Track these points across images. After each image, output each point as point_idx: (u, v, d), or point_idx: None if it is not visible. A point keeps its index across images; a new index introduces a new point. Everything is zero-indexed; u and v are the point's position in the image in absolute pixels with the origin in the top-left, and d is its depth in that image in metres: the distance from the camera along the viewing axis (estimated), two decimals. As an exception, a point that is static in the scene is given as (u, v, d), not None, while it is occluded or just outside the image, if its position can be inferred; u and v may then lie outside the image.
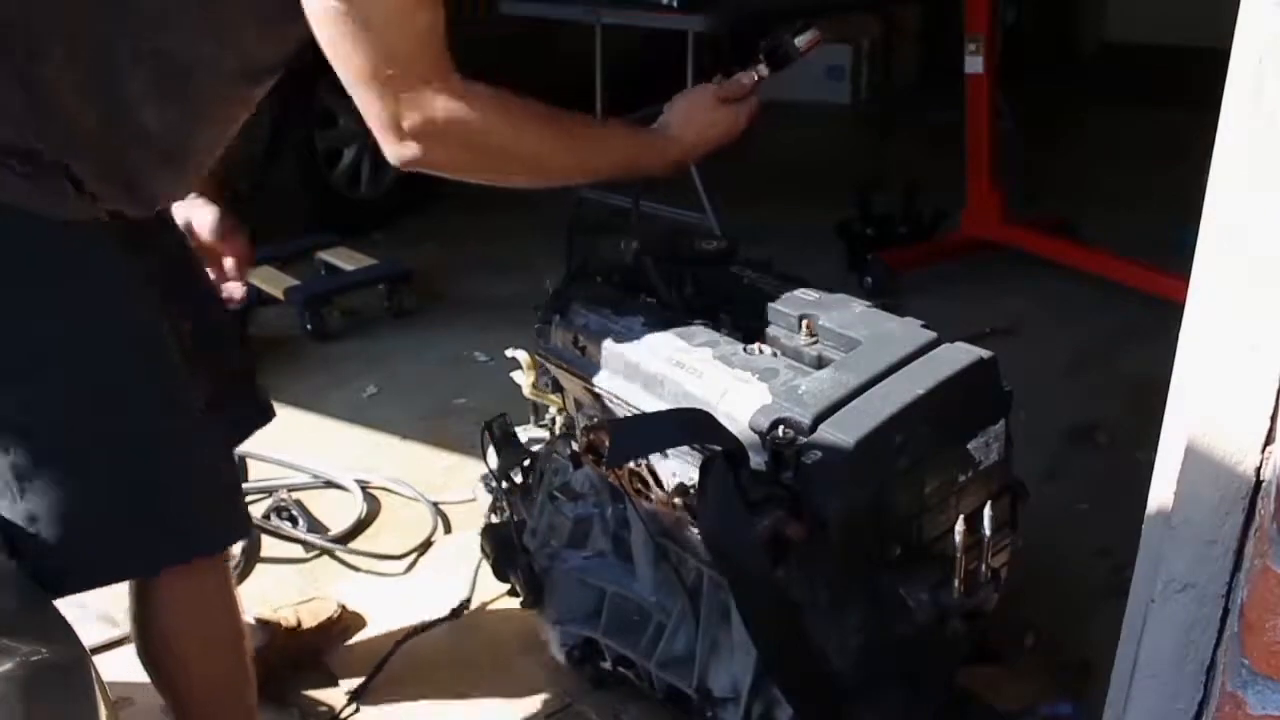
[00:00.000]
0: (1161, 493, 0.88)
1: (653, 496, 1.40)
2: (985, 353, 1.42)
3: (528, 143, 1.28)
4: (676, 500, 1.36)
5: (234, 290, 1.55)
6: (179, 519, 1.27)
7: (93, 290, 1.19)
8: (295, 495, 2.32)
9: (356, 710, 1.77)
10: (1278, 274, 0.74)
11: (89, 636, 1.35)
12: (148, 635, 1.36)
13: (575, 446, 1.60)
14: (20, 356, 1.15)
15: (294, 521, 2.23)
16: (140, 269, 1.24)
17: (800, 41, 1.48)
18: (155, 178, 1.26)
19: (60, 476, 1.17)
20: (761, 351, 1.43)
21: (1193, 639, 0.88)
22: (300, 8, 1.13)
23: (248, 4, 1.18)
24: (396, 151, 1.20)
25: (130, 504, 1.22)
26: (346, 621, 1.93)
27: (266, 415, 1.65)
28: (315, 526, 2.23)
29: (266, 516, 2.23)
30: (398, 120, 1.17)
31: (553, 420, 1.77)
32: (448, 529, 2.25)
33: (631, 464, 1.41)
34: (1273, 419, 0.78)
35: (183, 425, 1.27)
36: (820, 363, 1.41)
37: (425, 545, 2.18)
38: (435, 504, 2.29)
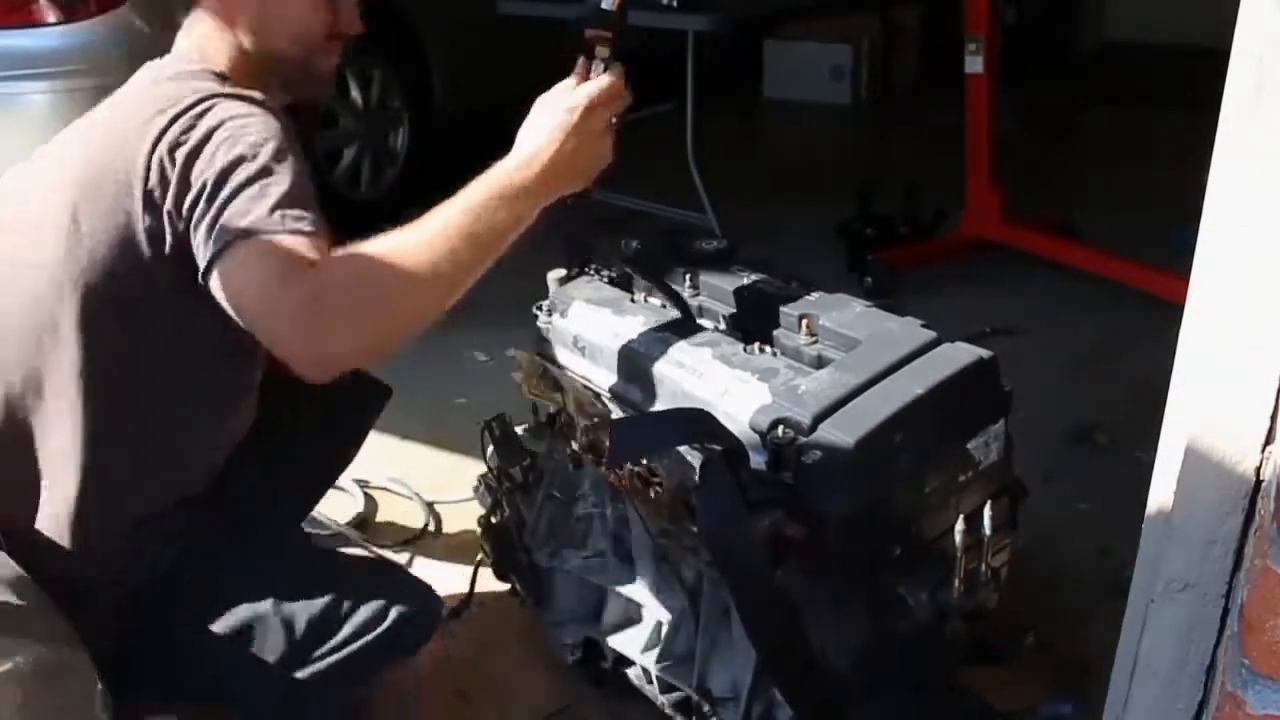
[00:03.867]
0: (1161, 493, 0.88)
1: (653, 496, 1.40)
2: (985, 353, 1.42)
3: (411, 273, 1.20)
4: (677, 500, 1.36)
5: None
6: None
7: None
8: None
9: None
10: (1278, 274, 0.74)
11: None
12: None
13: (575, 446, 1.60)
14: None
15: (294, 522, 2.22)
16: None
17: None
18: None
19: None
20: (761, 351, 1.43)
21: (1193, 639, 0.88)
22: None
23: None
24: (309, 368, 1.18)
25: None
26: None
27: None
28: (314, 524, 2.22)
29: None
30: (288, 348, 1.17)
31: (552, 420, 1.77)
32: (446, 529, 2.25)
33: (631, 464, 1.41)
34: (1273, 419, 0.78)
35: None
36: (820, 363, 1.41)
37: (416, 545, 2.18)
38: (433, 504, 2.29)
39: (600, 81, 1.29)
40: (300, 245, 1.17)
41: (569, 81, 1.31)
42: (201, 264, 1.19)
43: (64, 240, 1.24)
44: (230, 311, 1.19)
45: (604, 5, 1.30)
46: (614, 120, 1.30)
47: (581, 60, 1.32)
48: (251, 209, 1.17)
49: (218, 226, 1.17)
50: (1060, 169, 4.41)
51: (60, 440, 1.28)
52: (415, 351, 3.00)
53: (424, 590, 1.49)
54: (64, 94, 2.58)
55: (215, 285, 1.19)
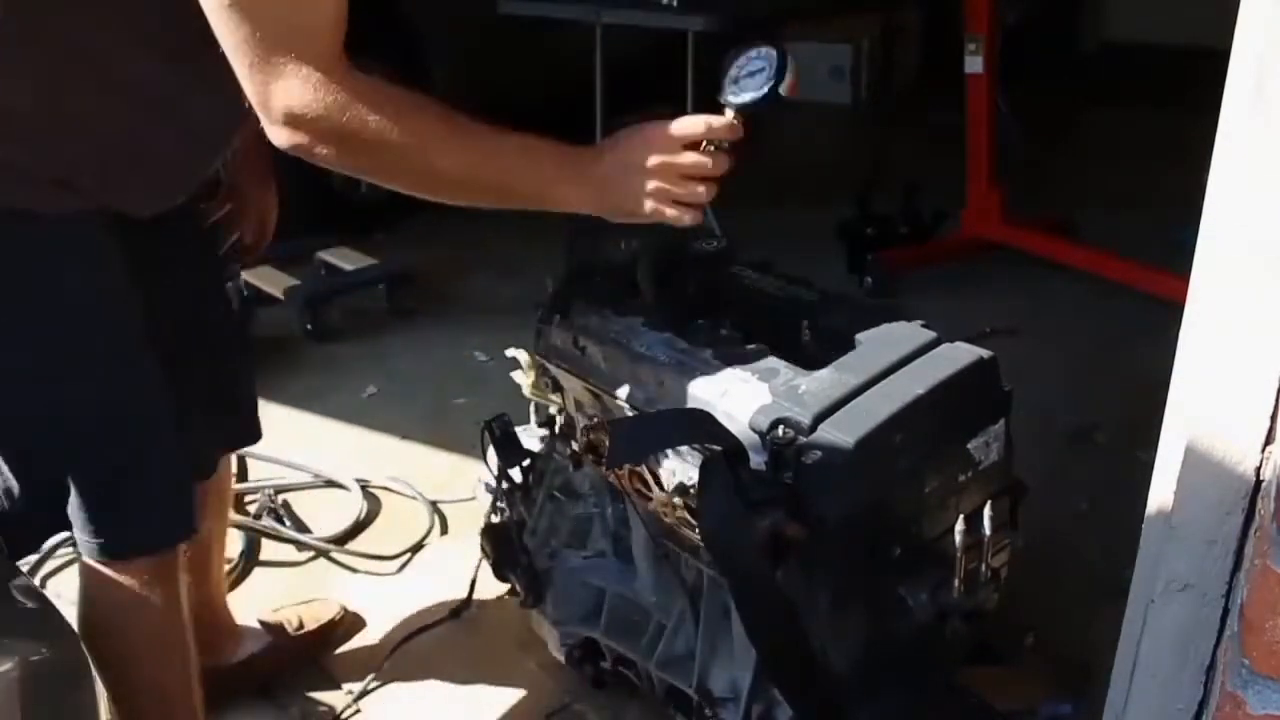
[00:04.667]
0: (1161, 493, 0.88)
1: (653, 496, 1.40)
2: (985, 353, 1.42)
3: (406, 139, 1.15)
4: (676, 500, 1.36)
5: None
6: (121, 511, 1.29)
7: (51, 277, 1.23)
8: (285, 496, 2.33)
9: (357, 711, 1.77)
10: (1277, 274, 0.74)
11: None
12: (88, 625, 1.35)
13: (575, 446, 1.60)
14: None
15: (280, 524, 2.22)
16: (122, 260, 1.27)
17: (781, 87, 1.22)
18: (162, 145, 1.26)
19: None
20: (761, 351, 1.43)
21: (1193, 639, 0.88)
22: None
23: None
24: (271, 135, 1.14)
25: (75, 483, 1.26)
26: (347, 623, 1.93)
27: (253, 435, 1.67)
28: (301, 529, 2.23)
29: (258, 516, 2.23)
30: (265, 104, 1.11)
31: (553, 420, 1.77)
32: (446, 529, 2.25)
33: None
34: (1273, 419, 0.78)
35: (135, 411, 1.30)
36: (820, 363, 1.41)
37: (418, 546, 2.18)
38: (434, 503, 2.29)
39: (706, 119, 1.21)
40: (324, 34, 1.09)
41: (691, 126, 1.21)
42: None
43: None
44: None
45: (779, 90, 1.22)
46: (675, 188, 1.22)
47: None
48: None
49: None
50: (1060, 169, 4.41)
51: None
52: (415, 351, 3.04)
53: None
54: None
55: None
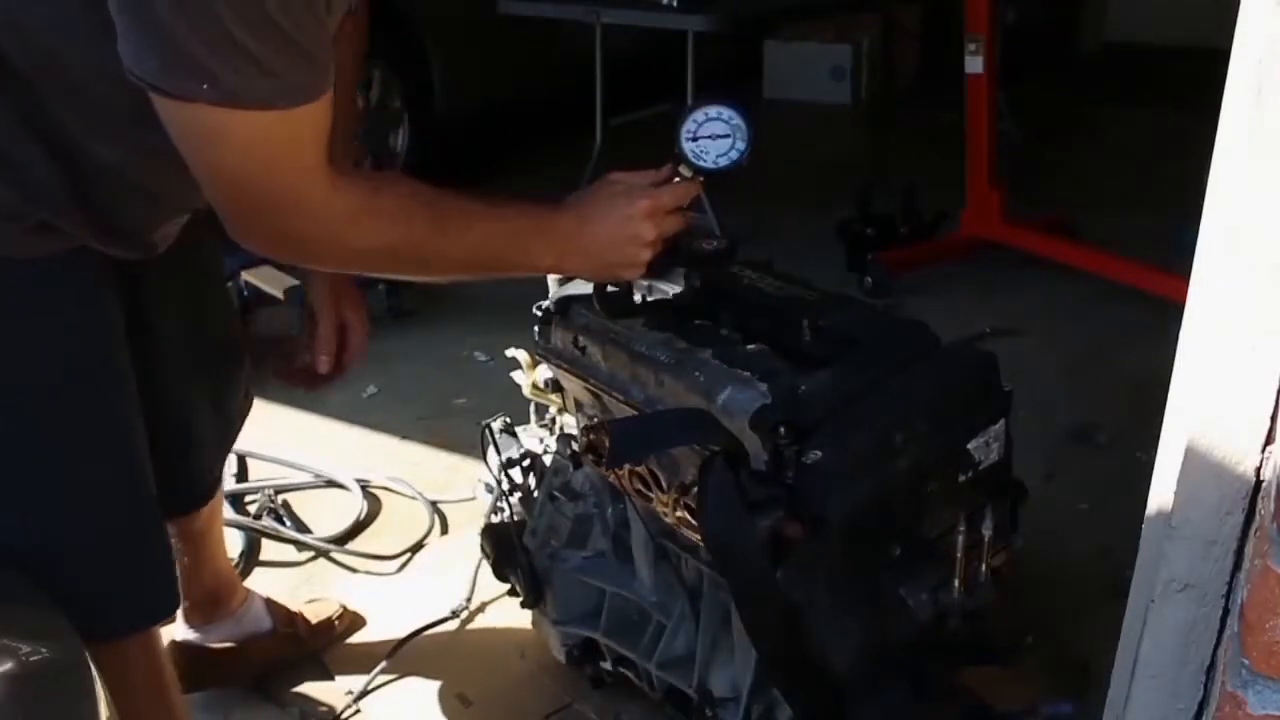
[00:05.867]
0: (1161, 493, 0.88)
1: (653, 496, 1.40)
2: (985, 352, 1.42)
3: (400, 249, 1.15)
4: (676, 500, 1.36)
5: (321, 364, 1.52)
6: (83, 589, 1.17)
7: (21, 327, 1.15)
8: (285, 496, 2.33)
9: (357, 710, 1.77)
10: (1278, 274, 0.74)
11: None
12: None
13: (575, 446, 1.60)
14: None
15: (280, 524, 2.22)
16: (106, 309, 1.20)
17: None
18: (130, 214, 1.19)
19: None
20: (761, 351, 1.43)
21: (1193, 639, 0.88)
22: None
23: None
24: (241, 241, 1.10)
25: (32, 561, 1.14)
26: (348, 622, 1.93)
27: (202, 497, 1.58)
28: (302, 529, 2.23)
29: (258, 517, 2.23)
30: (244, 230, 1.08)
31: (553, 420, 1.77)
32: (446, 529, 2.25)
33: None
34: (1273, 419, 0.78)
35: (104, 480, 1.21)
36: (820, 363, 1.41)
37: (418, 546, 2.18)
38: (434, 503, 2.29)
39: (673, 191, 1.26)
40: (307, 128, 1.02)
41: (645, 176, 1.27)
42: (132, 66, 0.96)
43: None
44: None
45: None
46: (659, 242, 1.27)
47: (669, 166, 1.28)
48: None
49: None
50: (1060, 169, 4.41)
51: None
52: (415, 351, 3.03)
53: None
54: None
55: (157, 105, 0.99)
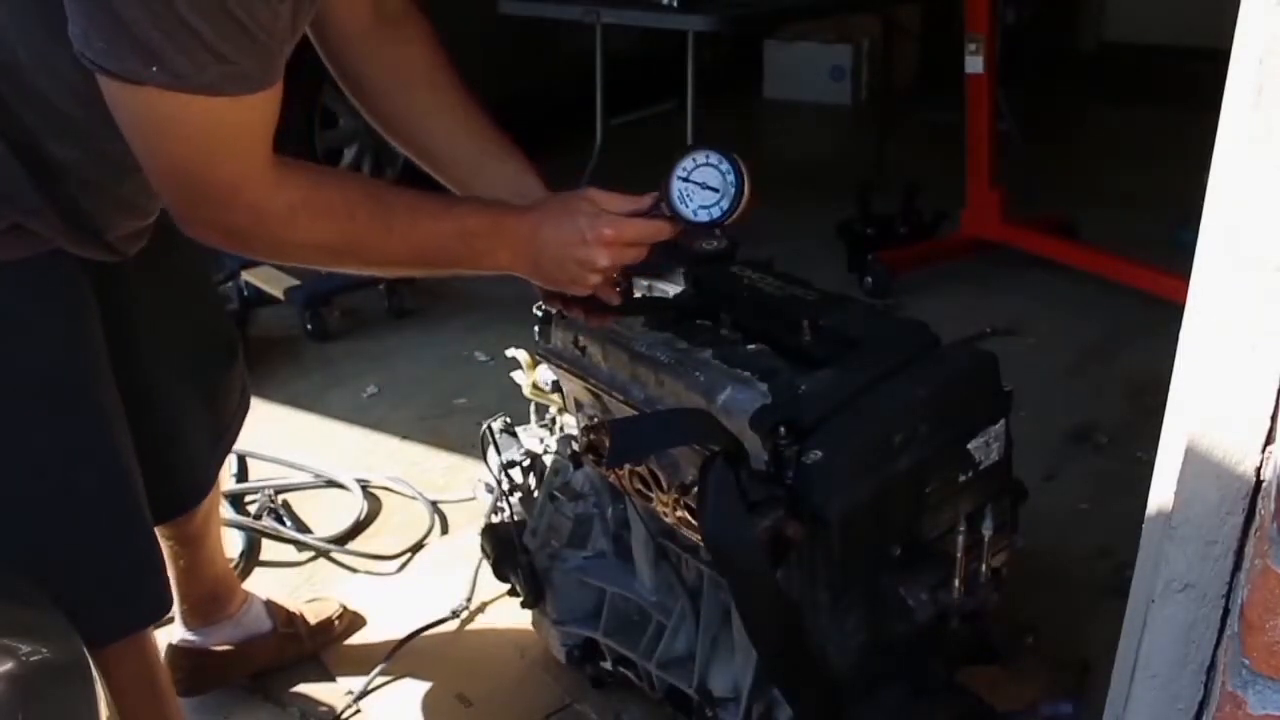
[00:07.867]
0: (1161, 493, 0.88)
1: (653, 496, 1.40)
2: (985, 353, 1.42)
3: (334, 242, 1.13)
4: (676, 500, 1.36)
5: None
6: (69, 594, 1.13)
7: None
8: (285, 496, 2.33)
9: (357, 710, 1.77)
10: (1277, 274, 0.74)
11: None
12: None
13: (575, 446, 1.60)
14: None
15: (280, 524, 2.22)
16: (84, 312, 1.19)
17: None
18: (93, 214, 1.18)
19: None
20: (762, 351, 1.43)
21: (1193, 639, 0.88)
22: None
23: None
24: (185, 230, 1.10)
25: (16, 567, 1.12)
26: (348, 622, 1.93)
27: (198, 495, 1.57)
28: (302, 529, 2.23)
29: (258, 517, 2.23)
30: (187, 220, 1.08)
31: (553, 420, 1.77)
32: (446, 529, 2.25)
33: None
34: (1273, 419, 0.78)
35: (86, 485, 1.20)
36: (820, 363, 1.41)
37: (418, 546, 2.18)
38: (434, 503, 2.29)
39: (640, 228, 1.21)
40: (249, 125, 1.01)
41: (621, 202, 1.22)
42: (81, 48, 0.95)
43: None
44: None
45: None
46: (612, 271, 1.23)
47: (652, 196, 1.23)
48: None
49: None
50: (1060, 169, 4.41)
51: None
52: (415, 352, 3.04)
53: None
54: None
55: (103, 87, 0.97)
